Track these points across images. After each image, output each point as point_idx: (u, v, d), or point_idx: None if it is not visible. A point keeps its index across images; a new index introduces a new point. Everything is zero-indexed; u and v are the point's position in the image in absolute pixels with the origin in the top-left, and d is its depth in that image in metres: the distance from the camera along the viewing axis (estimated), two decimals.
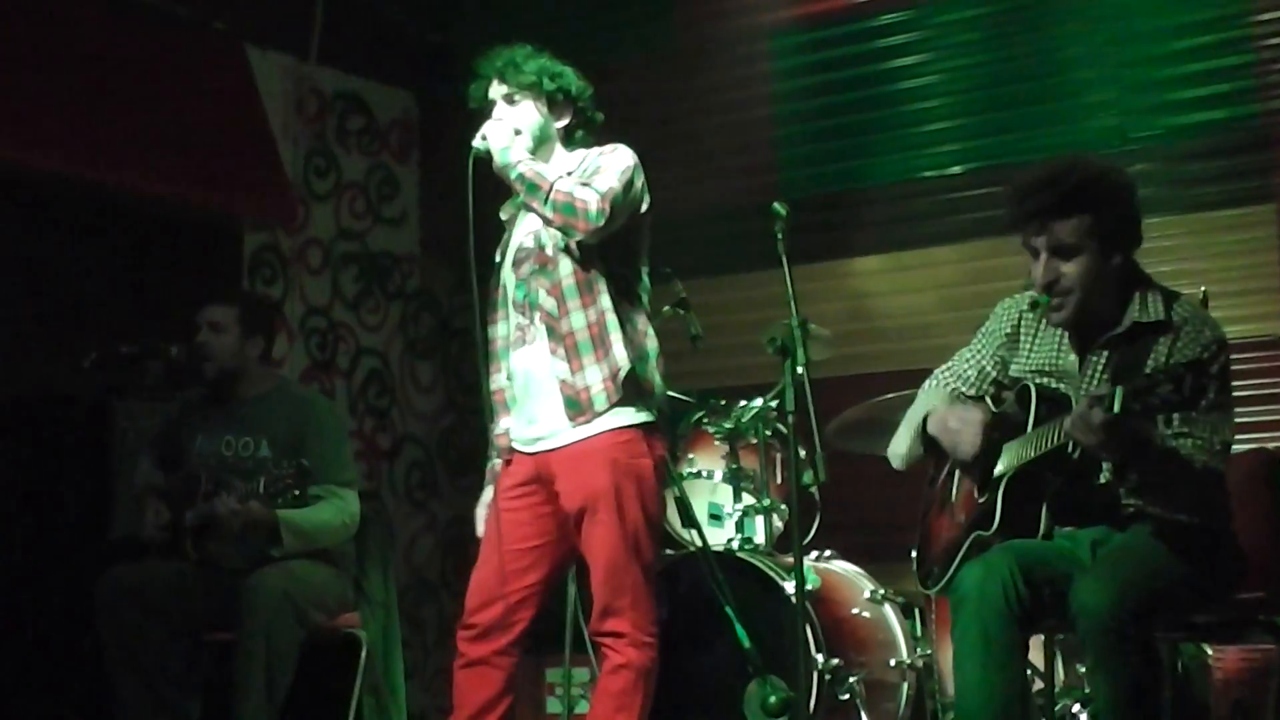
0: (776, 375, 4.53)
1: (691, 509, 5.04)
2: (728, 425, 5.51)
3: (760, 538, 5.45)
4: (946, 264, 6.94)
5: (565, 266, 4.16)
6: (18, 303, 6.21)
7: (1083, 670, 4.86)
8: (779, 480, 5.54)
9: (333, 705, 5.28)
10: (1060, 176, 3.85)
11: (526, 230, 4.30)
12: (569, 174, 4.22)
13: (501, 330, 4.33)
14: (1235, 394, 3.87)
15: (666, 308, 5.64)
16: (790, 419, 4.31)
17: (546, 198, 4.08)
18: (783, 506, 5.50)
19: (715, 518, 5.54)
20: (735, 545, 5.34)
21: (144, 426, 5.86)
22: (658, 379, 4.24)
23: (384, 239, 7.96)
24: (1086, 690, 4.81)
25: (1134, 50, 6.63)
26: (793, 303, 4.31)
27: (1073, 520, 3.90)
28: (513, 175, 4.14)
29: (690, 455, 5.63)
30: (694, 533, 5.02)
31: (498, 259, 4.40)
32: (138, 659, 5.02)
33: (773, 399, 5.41)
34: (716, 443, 5.57)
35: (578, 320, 4.13)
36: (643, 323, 4.26)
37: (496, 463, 4.39)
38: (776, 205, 4.37)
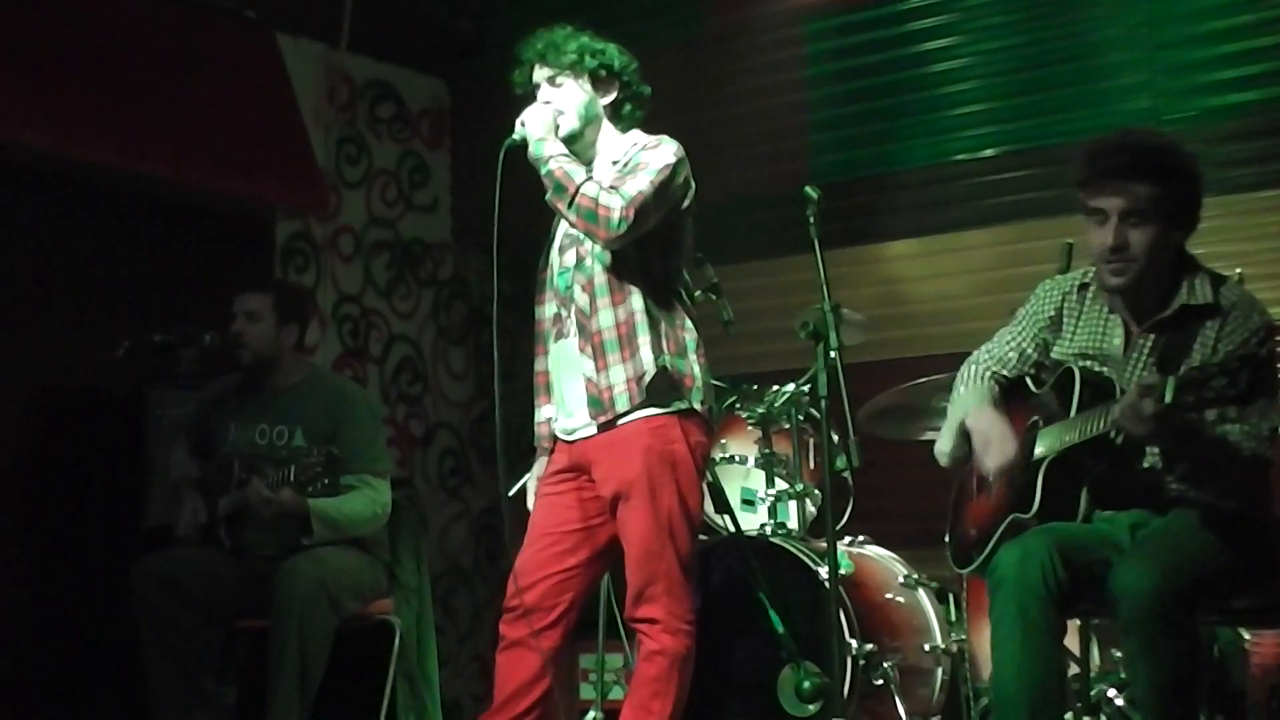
0: (809, 360, 4.52)
1: (725, 494, 5.04)
2: (760, 410, 5.50)
3: (794, 523, 5.44)
4: (979, 248, 6.92)
5: (599, 263, 4.15)
6: (51, 292, 6.23)
7: (1118, 655, 4.84)
8: (812, 465, 5.53)
9: (367, 692, 5.29)
10: (1139, 140, 3.82)
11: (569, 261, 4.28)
12: (614, 163, 4.20)
13: (546, 312, 4.33)
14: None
15: (698, 293, 5.61)
16: (823, 404, 4.30)
17: (571, 201, 4.04)
18: (816, 491, 5.49)
19: (748, 503, 5.53)
20: (769, 530, 5.32)
21: (177, 415, 5.88)
22: (698, 370, 4.19)
23: (416, 226, 7.97)
24: (1122, 675, 4.79)
25: (1168, 31, 6.58)
26: (825, 287, 4.29)
27: (1113, 503, 3.87)
28: (542, 170, 4.11)
29: (723, 440, 5.62)
30: (727, 518, 5.01)
31: (550, 240, 4.39)
32: (172, 646, 5.03)
33: (805, 384, 5.40)
34: (749, 428, 5.57)
35: (606, 319, 4.11)
36: (681, 317, 4.22)
37: (540, 437, 4.42)
38: (809, 190, 4.35)
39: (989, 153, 6.94)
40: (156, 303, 6.41)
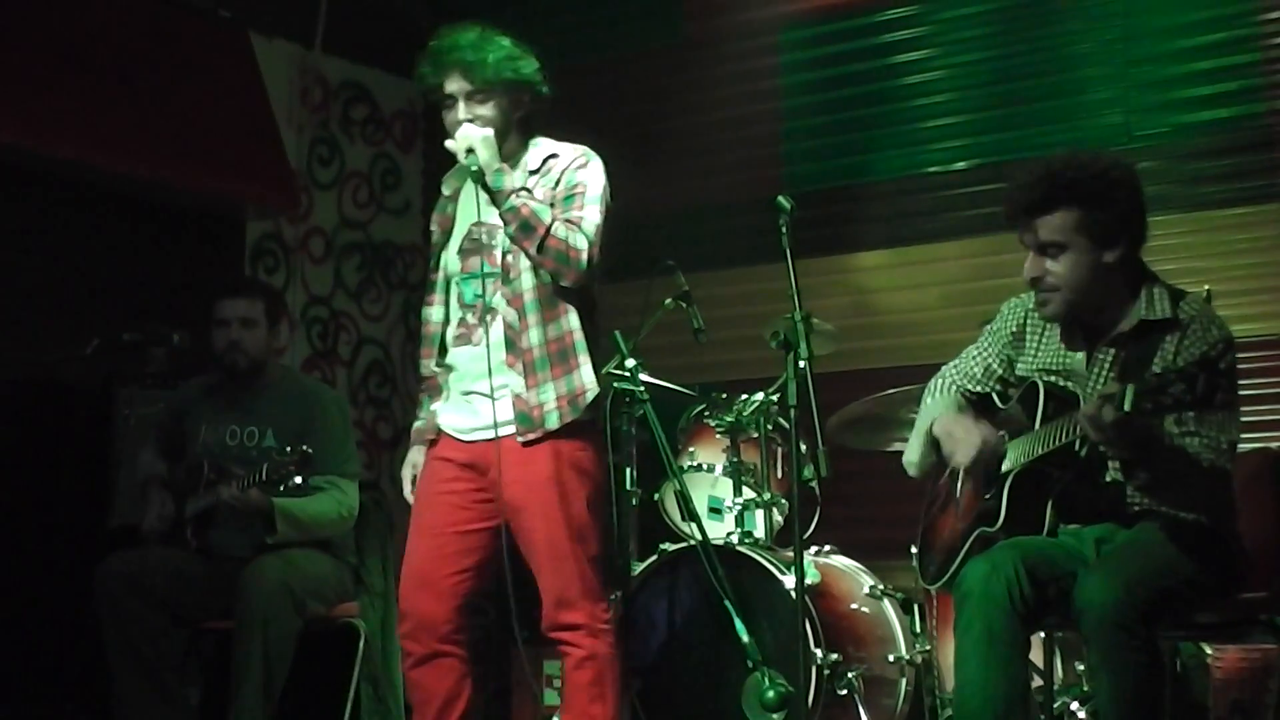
0: (778, 369, 4.51)
1: (692, 502, 5.04)
2: (729, 419, 5.50)
3: (760, 532, 5.44)
4: (950, 260, 6.94)
5: (528, 279, 4.11)
6: (20, 289, 6.21)
7: (1081, 668, 4.85)
8: (780, 474, 5.53)
9: (331, 694, 5.27)
10: (1045, 174, 3.83)
11: (473, 217, 4.21)
12: (532, 173, 4.16)
13: (438, 315, 4.28)
14: (1240, 393, 3.85)
15: (669, 300, 5.63)
16: (792, 413, 4.29)
17: (541, 243, 4.01)
18: (783, 501, 5.50)
19: (715, 511, 5.53)
20: (735, 539, 5.32)
21: (145, 414, 5.86)
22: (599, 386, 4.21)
23: (387, 229, 7.96)
24: (1085, 688, 4.80)
25: (1140, 48, 6.62)
26: (796, 297, 4.29)
27: (1078, 518, 3.89)
28: (504, 205, 4.05)
29: (691, 448, 5.63)
30: (694, 526, 5.01)
31: (436, 237, 4.33)
32: (136, 646, 5.01)
33: (774, 393, 5.41)
34: (718, 436, 5.57)
35: (537, 336, 4.09)
36: (597, 337, 4.24)
37: (422, 424, 4.36)
38: (781, 199, 4.35)
39: (961, 165, 6.96)
40: (126, 301, 6.39)
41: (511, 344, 4.10)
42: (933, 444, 4.14)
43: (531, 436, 4.07)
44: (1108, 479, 3.82)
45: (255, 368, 5.41)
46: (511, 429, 4.10)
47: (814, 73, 7.36)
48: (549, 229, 4.01)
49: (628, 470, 5.27)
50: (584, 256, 4.02)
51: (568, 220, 4.06)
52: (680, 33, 7.72)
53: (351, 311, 7.72)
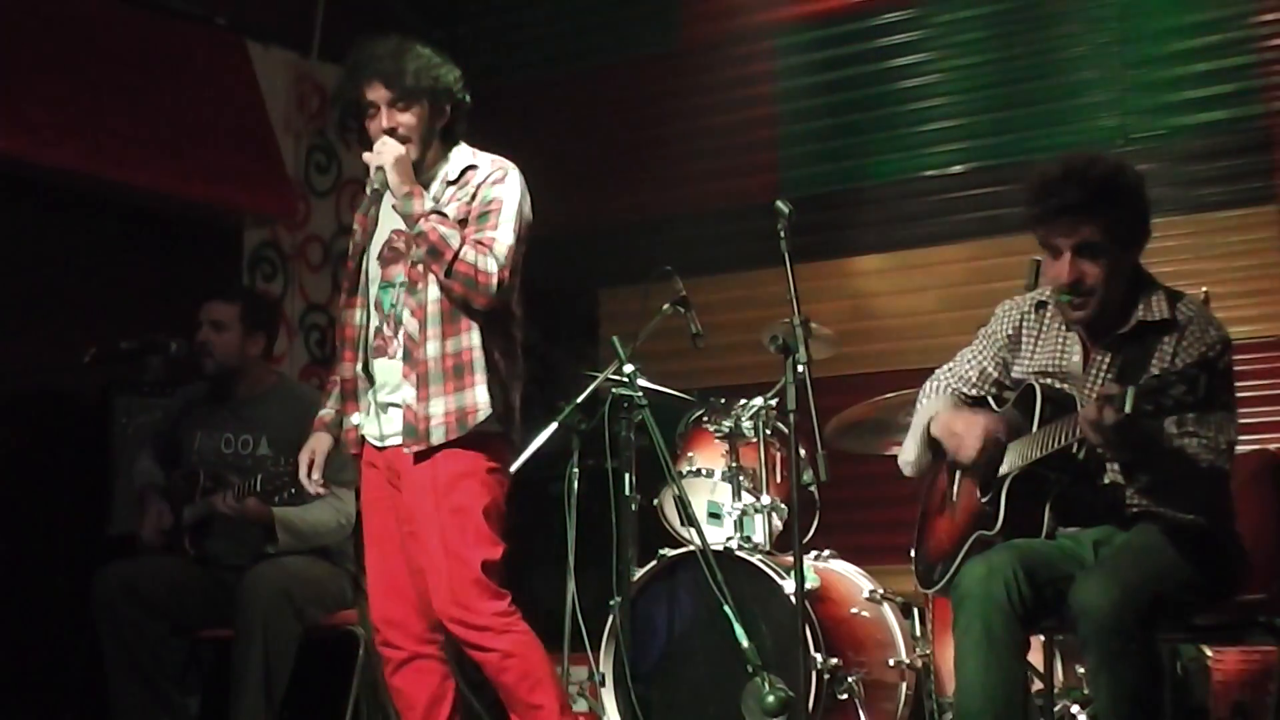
0: (777, 374, 4.51)
1: (691, 507, 5.03)
2: (728, 424, 5.50)
3: (759, 536, 5.44)
4: (948, 263, 6.94)
5: (433, 291, 4.08)
6: (18, 297, 6.20)
7: (1082, 671, 4.85)
8: (779, 479, 5.52)
9: (330, 702, 5.27)
10: (1085, 173, 3.81)
11: (396, 224, 4.18)
12: (450, 183, 4.15)
13: (358, 319, 4.24)
14: (1237, 395, 3.85)
15: (666, 306, 5.62)
16: (791, 418, 4.29)
17: (450, 268, 3.98)
18: (782, 505, 5.49)
19: (715, 516, 5.53)
20: (734, 544, 5.32)
21: (143, 422, 5.86)
22: (516, 399, 4.19)
23: None
24: (1085, 691, 4.80)
25: (1136, 50, 6.63)
26: (794, 301, 4.29)
27: (1076, 520, 3.88)
28: (414, 229, 4.03)
29: (690, 453, 5.62)
30: (693, 531, 5.01)
31: (357, 236, 4.32)
32: (135, 655, 5.02)
33: (773, 397, 5.40)
34: (716, 441, 5.56)
35: (434, 349, 4.06)
36: (510, 344, 4.19)
37: (328, 413, 4.33)
38: (779, 203, 4.35)
39: (958, 168, 6.97)
40: (123, 309, 6.38)
41: (409, 354, 4.08)
42: (930, 444, 4.14)
43: (417, 449, 4.05)
44: (1106, 481, 3.82)
45: (226, 373, 5.41)
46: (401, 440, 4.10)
47: (811, 77, 7.36)
48: (457, 254, 3.98)
49: (627, 476, 5.26)
50: (493, 281, 3.98)
51: (479, 241, 4.02)
52: (677, 38, 7.72)
53: None
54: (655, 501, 5.68)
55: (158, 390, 5.90)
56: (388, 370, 4.15)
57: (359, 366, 4.22)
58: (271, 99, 7.31)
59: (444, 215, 4.06)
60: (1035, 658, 4.30)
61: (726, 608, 4.80)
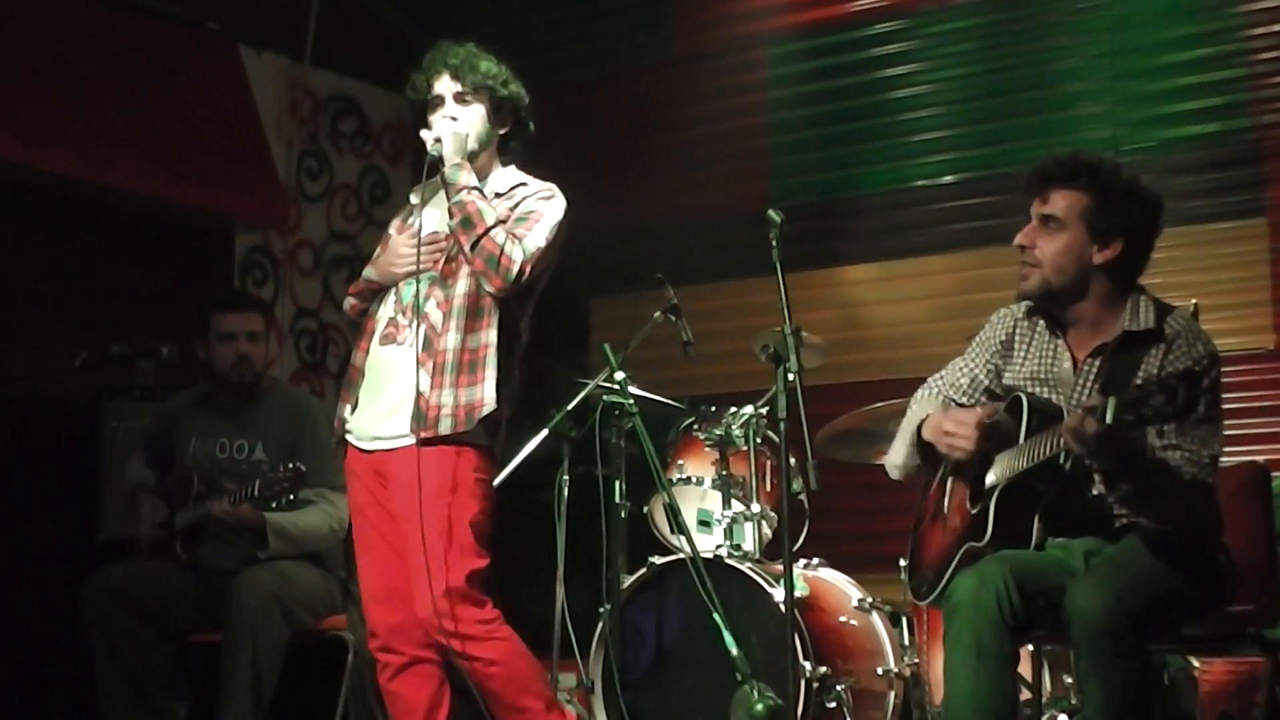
0: (768, 382, 4.52)
1: (681, 515, 5.04)
2: (718, 432, 5.50)
3: (749, 545, 5.44)
4: (938, 273, 6.96)
5: (462, 285, 4.16)
6: (9, 301, 6.20)
7: (1069, 681, 4.86)
8: (769, 487, 5.53)
9: (319, 707, 5.27)
10: (1076, 155, 3.92)
11: (434, 224, 4.27)
12: (497, 195, 4.22)
13: (379, 311, 4.31)
14: (1226, 407, 3.86)
15: (658, 313, 5.63)
16: (781, 426, 4.30)
17: (477, 241, 4.08)
18: (772, 514, 5.50)
19: (704, 524, 5.53)
20: (724, 552, 5.32)
21: (134, 426, 5.86)
22: (508, 411, 4.21)
23: (376, 241, 7.86)
24: (1073, 700, 4.81)
25: (1127, 62, 6.65)
26: (785, 310, 4.30)
27: (1065, 531, 3.89)
28: (454, 198, 4.14)
29: (680, 461, 5.62)
30: (683, 539, 5.01)
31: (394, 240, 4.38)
32: (124, 659, 5.01)
33: (764, 406, 5.41)
34: (707, 449, 5.56)
35: (454, 341, 4.12)
36: (515, 358, 4.25)
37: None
38: (772, 212, 4.36)
39: (949, 179, 6.99)
40: (114, 313, 6.39)
41: (429, 343, 4.14)
42: (921, 449, 4.14)
43: (423, 435, 4.07)
44: (1094, 492, 3.82)
45: (258, 380, 5.42)
46: (407, 438, 4.11)
47: (802, 87, 7.38)
48: (489, 229, 4.08)
49: (616, 483, 5.26)
50: (515, 267, 4.06)
51: (512, 234, 4.12)
52: (670, 48, 7.74)
53: (340, 324, 7.71)
54: (645, 509, 5.69)
55: (149, 394, 5.90)
56: (388, 356, 4.20)
57: (365, 358, 4.28)
58: (264, 104, 7.32)
59: (484, 195, 4.16)
60: (1023, 668, 4.31)
61: (716, 615, 4.80)
